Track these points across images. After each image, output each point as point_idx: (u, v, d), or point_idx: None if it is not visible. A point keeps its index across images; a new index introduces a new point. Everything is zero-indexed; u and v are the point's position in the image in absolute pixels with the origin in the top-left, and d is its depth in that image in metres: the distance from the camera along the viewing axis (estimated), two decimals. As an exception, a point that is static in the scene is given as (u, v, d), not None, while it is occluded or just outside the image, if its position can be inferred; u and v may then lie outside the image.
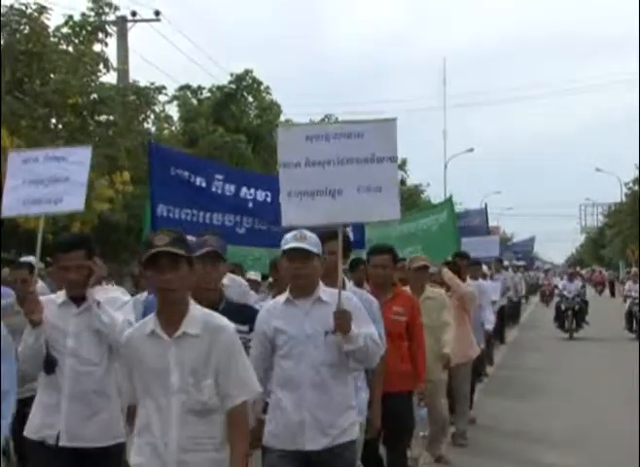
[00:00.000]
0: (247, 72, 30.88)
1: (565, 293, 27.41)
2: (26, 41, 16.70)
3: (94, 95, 17.75)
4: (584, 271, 60.32)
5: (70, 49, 17.68)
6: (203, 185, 8.59)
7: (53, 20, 17.47)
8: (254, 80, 31.03)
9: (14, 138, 15.07)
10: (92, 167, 16.23)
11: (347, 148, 5.65)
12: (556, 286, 31.20)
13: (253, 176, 10.94)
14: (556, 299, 28.62)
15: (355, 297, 5.68)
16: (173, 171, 8.40)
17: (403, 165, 45.61)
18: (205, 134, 27.05)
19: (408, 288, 8.97)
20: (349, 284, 6.59)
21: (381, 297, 7.27)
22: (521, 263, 40.59)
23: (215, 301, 5.55)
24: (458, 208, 24.09)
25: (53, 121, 17.67)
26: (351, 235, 9.16)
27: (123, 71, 21.84)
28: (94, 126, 18.00)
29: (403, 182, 46.25)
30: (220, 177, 8.70)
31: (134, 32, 23.85)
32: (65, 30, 17.70)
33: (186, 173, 8.48)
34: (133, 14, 24.12)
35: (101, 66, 18.07)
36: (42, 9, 16.94)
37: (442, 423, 9.80)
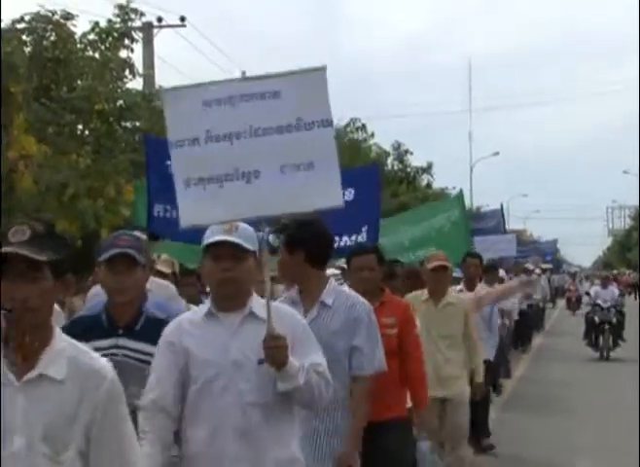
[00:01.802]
0: (272, 76, 30.96)
1: (599, 302, 22.26)
2: (53, 48, 16.83)
3: (121, 101, 17.82)
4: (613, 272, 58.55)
5: (96, 55, 17.76)
6: None
7: (80, 27, 17.59)
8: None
9: (41, 145, 15.18)
10: (120, 173, 16.66)
11: (262, 113, 4.22)
12: (588, 293, 24.79)
13: None
14: (585, 308, 24.15)
15: (298, 313, 4.37)
16: (170, 166, 7.96)
17: (429, 169, 45.47)
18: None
19: (425, 291, 8.19)
20: (334, 284, 5.23)
21: None
22: (548, 266, 40.17)
23: (130, 317, 4.41)
24: (484, 210, 23.79)
25: (80, 127, 17.77)
26: (364, 235, 8.60)
27: (149, 77, 21.91)
28: (121, 132, 18.09)
29: (429, 185, 46.12)
30: None
31: (160, 38, 23.89)
32: (91, 37, 17.77)
33: None
34: (159, 20, 24.21)
35: (127, 72, 18.15)
36: (68, 15, 17.08)
37: (461, 453, 8.31)
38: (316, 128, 4.20)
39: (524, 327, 20.75)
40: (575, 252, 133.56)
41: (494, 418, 11.97)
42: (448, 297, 8.24)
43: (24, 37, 16.81)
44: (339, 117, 33.87)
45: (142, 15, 19.12)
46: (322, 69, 4.28)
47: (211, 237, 4.04)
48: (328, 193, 4.23)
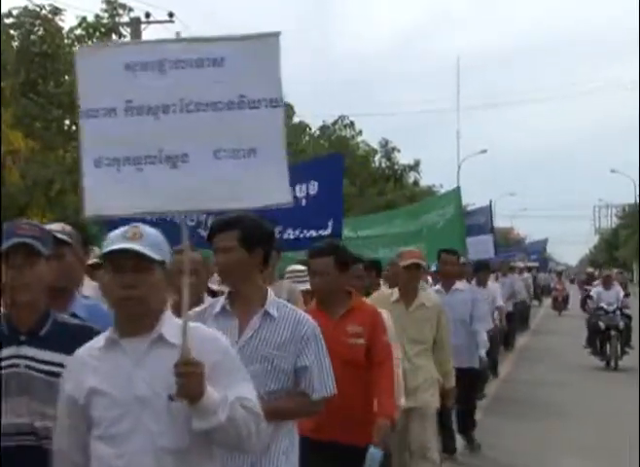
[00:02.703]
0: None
1: (604, 305, 18.98)
2: (40, 42, 16.86)
3: (108, 97, 17.86)
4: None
5: (84, 50, 17.81)
6: None
7: (67, 22, 17.68)
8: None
9: (28, 140, 15.20)
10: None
11: (198, 84, 3.45)
12: (589, 296, 21.41)
13: None
14: (588, 311, 21.04)
15: (221, 333, 3.48)
16: None
17: (416, 166, 45.57)
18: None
19: (395, 291, 7.48)
20: (271, 295, 4.31)
21: (331, 314, 5.34)
22: (534, 264, 40.11)
23: (34, 320, 3.60)
24: (471, 209, 23.58)
25: (67, 122, 17.78)
26: (330, 229, 7.98)
27: (136, 72, 21.90)
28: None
29: (416, 183, 46.20)
30: None
31: (148, 33, 23.82)
32: (79, 32, 17.84)
33: None
34: (147, 15, 24.17)
35: (115, 68, 18.18)
36: (56, 10, 17.12)
37: (431, 456, 7.52)
38: (263, 108, 3.45)
39: (509, 326, 20.52)
40: (562, 250, 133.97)
41: (477, 420, 11.15)
42: (421, 298, 7.43)
43: (12, 32, 16.82)
44: (325, 116, 33.88)
45: (130, 10, 19.21)
46: (275, 35, 3.50)
47: (110, 245, 3.26)
48: (271, 187, 3.46)
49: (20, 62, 16.42)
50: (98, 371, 3.23)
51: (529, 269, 33.87)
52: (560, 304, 38.48)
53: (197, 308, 4.30)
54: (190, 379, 3.09)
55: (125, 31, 19.65)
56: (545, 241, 50.96)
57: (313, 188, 7.99)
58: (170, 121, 3.43)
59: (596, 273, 46.37)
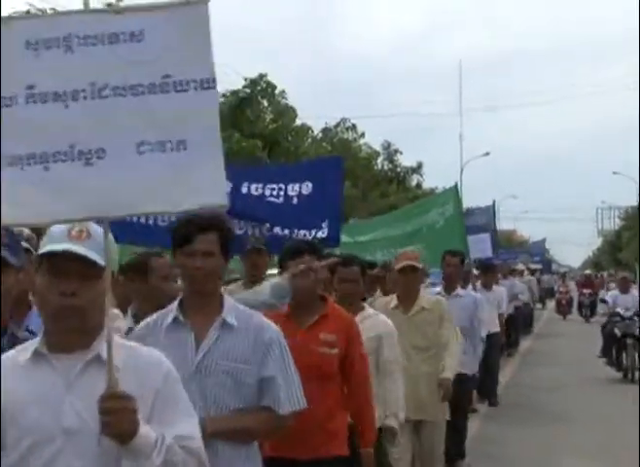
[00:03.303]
0: (261, 76, 30.85)
1: (620, 310, 17.31)
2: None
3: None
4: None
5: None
6: None
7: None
8: (268, 84, 31.00)
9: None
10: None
11: (112, 64, 2.87)
12: (604, 300, 19.32)
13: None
14: (602, 318, 19.37)
15: (161, 354, 2.95)
16: None
17: (418, 169, 45.44)
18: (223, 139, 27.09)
19: (394, 297, 7.16)
20: (229, 302, 3.90)
21: (301, 321, 4.93)
22: (537, 266, 39.85)
23: None
24: (472, 209, 23.41)
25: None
26: (326, 231, 7.80)
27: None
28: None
29: (419, 186, 46.05)
30: None
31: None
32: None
33: None
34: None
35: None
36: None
37: None
38: (192, 91, 2.89)
39: (511, 330, 20.37)
40: (565, 253, 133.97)
41: (478, 427, 11.24)
42: (421, 301, 7.07)
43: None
44: (328, 118, 33.80)
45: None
46: (204, 2, 2.91)
47: (49, 245, 2.79)
48: (204, 185, 2.90)
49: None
50: (19, 388, 2.71)
51: (532, 272, 33.61)
52: (565, 307, 37.52)
53: (144, 322, 3.90)
54: (118, 417, 2.61)
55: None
56: (543, 241, 50.87)
57: (307, 188, 7.89)
58: (82, 109, 2.85)
59: (599, 275, 46.35)
